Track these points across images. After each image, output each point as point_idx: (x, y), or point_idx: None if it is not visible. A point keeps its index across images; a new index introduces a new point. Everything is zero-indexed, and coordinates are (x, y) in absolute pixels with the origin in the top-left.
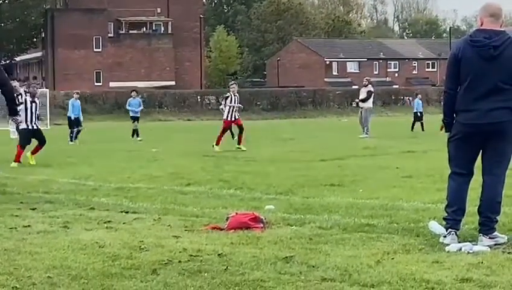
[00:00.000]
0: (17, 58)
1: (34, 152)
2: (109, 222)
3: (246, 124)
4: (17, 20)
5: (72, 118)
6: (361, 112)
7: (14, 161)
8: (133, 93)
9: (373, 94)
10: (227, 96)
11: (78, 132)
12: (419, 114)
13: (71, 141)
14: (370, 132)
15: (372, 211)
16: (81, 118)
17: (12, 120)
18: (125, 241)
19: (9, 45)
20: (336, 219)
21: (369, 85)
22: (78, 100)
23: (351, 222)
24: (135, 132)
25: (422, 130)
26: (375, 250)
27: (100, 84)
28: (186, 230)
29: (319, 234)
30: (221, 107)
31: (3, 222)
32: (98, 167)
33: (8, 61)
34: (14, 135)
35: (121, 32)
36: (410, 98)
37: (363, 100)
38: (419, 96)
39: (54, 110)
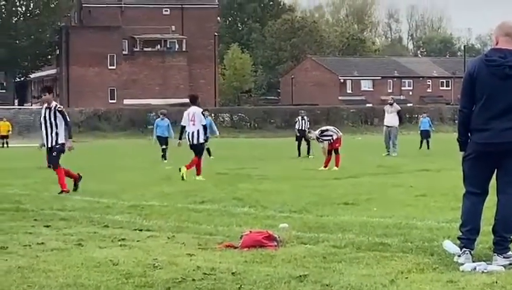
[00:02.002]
0: (32, 76)
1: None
2: (123, 239)
3: (259, 141)
4: (32, 37)
5: (159, 136)
6: (388, 131)
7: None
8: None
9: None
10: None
11: (164, 150)
12: (425, 132)
13: (164, 159)
14: (397, 150)
15: (386, 230)
16: (172, 135)
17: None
18: (139, 259)
19: (24, 62)
20: (349, 238)
21: (395, 104)
22: (166, 119)
23: (365, 240)
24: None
25: (428, 148)
26: (389, 269)
27: (114, 101)
28: (200, 248)
29: (333, 252)
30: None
31: (17, 239)
32: (111, 184)
33: (22, 79)
34: None
35: (135, 49)
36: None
37: (400, 121)
38: (425, 114)
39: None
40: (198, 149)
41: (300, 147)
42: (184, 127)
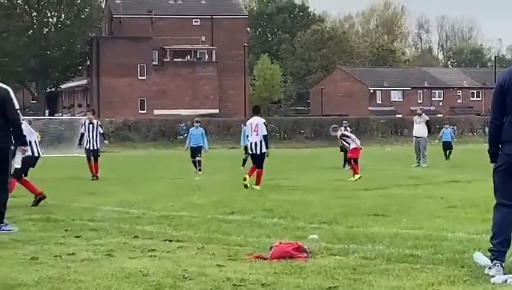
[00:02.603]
0: (63, 86)
1: None
2: (153, 250)
3: (289, 152)
4: (63, 48)
5: (192, 147)
6: (418, 142)
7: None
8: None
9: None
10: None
11: (199, 162)
12: (447, 143)
13: (198, 170)
14: (426, 161)
15: (417, 242)
16: (206, 147)
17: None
18: (169, 270)
19: (55, 72)
20: (379, 249)
21: (423, 114)
22: (200, 127)
23: (395, 252)
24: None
25: (447, 158)
26: (420, 281)
27: (144, 111)
28: (229, 259)
29: (363, 264)
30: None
31: (48, 249)
32: (141, 194)
33: (53, 89)
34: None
35: (165, 60)
36: (454, 128)
37: (429, 131)
38: (447, 125)
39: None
40: (259, 159)
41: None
42: (247, 136)
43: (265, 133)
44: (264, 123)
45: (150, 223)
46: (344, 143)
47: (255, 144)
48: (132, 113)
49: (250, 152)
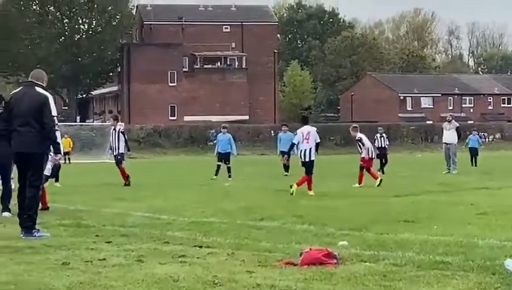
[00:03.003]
0: (94, 93)
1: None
2: (183, 256)
3: (318, 159)
4: (94, 54)
5: (220, 153)
6: (448, 148)
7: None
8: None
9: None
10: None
11: (228, 168)
12: (473, 150)
13: (228, 177)
14: (456, 167)
15: (447, 248)
16: (234, 152)
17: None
18: (199, 276)
19: (86, 79)
20: (410, 256)
21: (453, 120)
22: (227, 133)
23: (426, 259)
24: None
25: (475, 165)
26: (450, 288)
27: (175, 118)
28: (259, 265)
29: (393, 271)
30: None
31: (79, 255)
32: (171, 200)
33: (84, 95)
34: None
35: (195, 66)
36: (485, 134)
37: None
38: (475, 132)
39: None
40: (309, 166)
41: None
42: (294, 144)
43: (319, 140)
44: (316, 131)
45: (180, 229)
46: (358, 147)
47: (305, 151)
48: (162, 120)
49: (301, 159)
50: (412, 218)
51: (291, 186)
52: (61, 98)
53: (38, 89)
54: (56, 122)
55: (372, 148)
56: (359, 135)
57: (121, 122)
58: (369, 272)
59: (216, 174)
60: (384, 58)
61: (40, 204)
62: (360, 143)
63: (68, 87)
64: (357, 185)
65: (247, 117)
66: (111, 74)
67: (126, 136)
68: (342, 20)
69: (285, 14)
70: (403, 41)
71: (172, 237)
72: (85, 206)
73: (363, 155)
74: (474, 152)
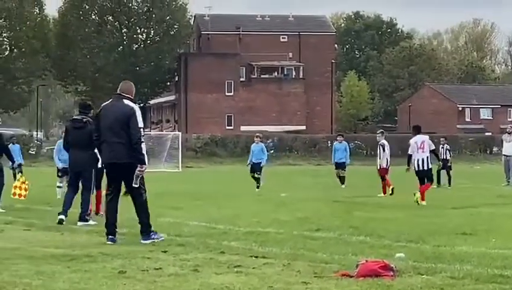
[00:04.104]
0: (151, 102)
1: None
2: (239, 266)
3: (375, 169)
4: (152, 64)
5: (254, 162)
6: (508, 160)
7: None
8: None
9: None
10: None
11: (257, 179)
12: None
13: (256, 187)
14: None
15: (506, 262)
16: (263, 162)
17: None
18: (255, 286)
19: (144, 88)
20: (467, 269)
21: None
22: (260, 143)
23: (484, 272)
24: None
25: None
26: None
27: (231, 127)
28: (315, 276)
29: (451, 284)
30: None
31: (136, 263)
32: (227, 210)
33: (142, 105)
34: None
35: (252, 76)
36: None
37: None
38: None
39: (186, 153)
40: (427, 174)
41: (440, 176)
42: (411, 155)
43: (433, 147)
44: (430, 139)
45: (236, 239)
46: (378, 153)
47: (422, 160)
48: (219, 129)
49: (417, 169)
50: (470, 230)
51: (414, 194)
52: None
53: (126, 101)
54: (142, 134)
55: (389, 158)
56: (384, 141)
57: (178, 131)
58: (426, 285)
59: (258, 187)
60: (443, 69)
61: (95, 208)
62: (381, 149)
63: None
64: (382, 194)
65: (304, 127)
66: (168, 83)
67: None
68: (400, 30)
69: (342, 24)
70: (461, 52)
71: (228, 247)
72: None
73: (383, 165)
74: None
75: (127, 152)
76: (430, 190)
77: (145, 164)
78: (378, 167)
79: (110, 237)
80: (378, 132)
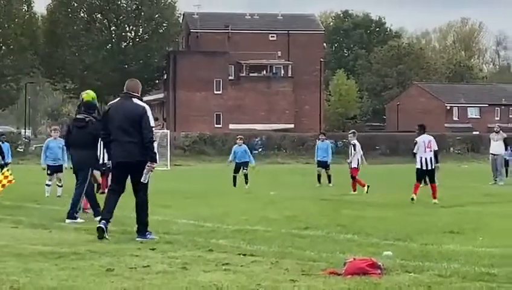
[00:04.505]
0: None
1: None
2: (227, 264)
3: (364, 168)
4: (141, 62)
5: (237, 162)
6: (495, 159)
7: None
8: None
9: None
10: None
11: (246, 175)
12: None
13: (245, 184)
14: (504, 178)
15: (493, 260)
16: (252, 162)
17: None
18: (243, 284)
19: None
20: (455, 267)
21: (501, 131)
22: (243, 145)
23: (471, 270)
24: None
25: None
26: None
27: (220, 126)
28: (303, 274)
29: (438, 282)
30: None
31: (124, 261)
32: (215, 208)
33: None
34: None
35: (241, 74)
36: None
37: (506, 148)
38: None
39: (174, 151)
40: (433, 174)
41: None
42: (416, 154)
43: (436, 148)
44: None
45: (225, 237)
46: (350, 152)
47: (430, 159)
48: (208, 128)
49: (424, 167)
50: (458, 229)
51: (412, 199)
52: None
53: (135, 100)
54: (153, 132)
55: (363, 158)
56: (355, 141)
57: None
58: (413, 283)
59: (234, 185)
60: (431, 68)
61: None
62: (353, 148)
63: (115, 94)
64: (353, 192)
65: (292, 126)
66: (157, 81)
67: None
68: (388, 29)
69: (331, 23)
70: (449, 51)
71: (216, 245)
72: (130, 213)
73: (353, 165)
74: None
75: (139, 151)
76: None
77: (156, 161)
78: (350, 167)
79: (103, 221)
80: (349, 132)
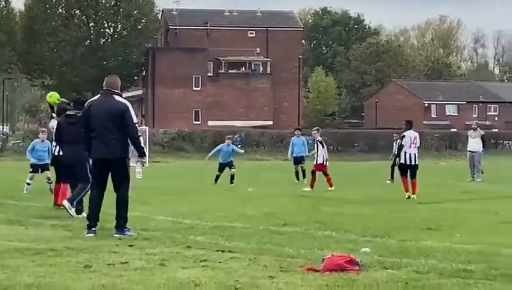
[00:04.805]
0: None
1: None
2: (205, 260)
3: (342, 165)
4: (119, 58)
5: (221, 163)
6: (472, 156)
7: None
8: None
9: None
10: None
11: (232, 176)
12: None
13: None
14: (481, 175)
15: (470, 256)
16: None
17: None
18: (221, 281)
19: None
20: (432, 264)
21: (478, 128)
22: (231, 145)
23: (448, 266)
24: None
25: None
26: None
27: (199, 122)
28: (281, 271)
29: (416, 278)
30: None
31: (102, 258)
32: (194, 205)
33: None
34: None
35: (220, 71)
36: (510, 142)
37: (483, 146)
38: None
39: (153, 147)
40: (416, 169)
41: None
42: (403, 146)
43: (419, 144)
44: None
45: (203, 233)
46: (315, 148)
47: (414, 155)
48: (186, 124)
49: (408, 163)
50: (435, 226)
51: (408, 197)
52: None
53: (117, 97)
54: (138, 128)
55: (327, 155)
56: (320, 138)
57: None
58: (391, 279)
59: (216, 182)
60: (409, 65)
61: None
62: (321, 145)
63: (93, 91)
64: (310, 189)
65: (271, 122)
66: (136, 77)
67: None
68: (367, 26)
69: (310, 20)
70: (428, 48)
71: (194, 242)
72: (109, 210)
73: (319, 161)
74: None
75: (120, 148)
76: (392, 186)
77: (145, 155)
78: (315, 163)
79: (92, 229)
80: (313, 129)
